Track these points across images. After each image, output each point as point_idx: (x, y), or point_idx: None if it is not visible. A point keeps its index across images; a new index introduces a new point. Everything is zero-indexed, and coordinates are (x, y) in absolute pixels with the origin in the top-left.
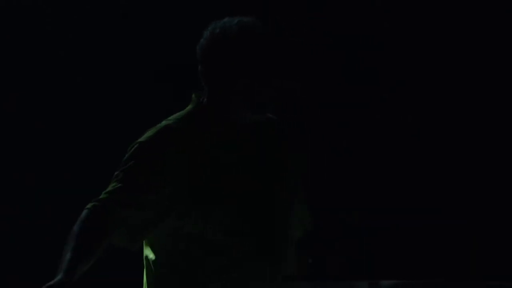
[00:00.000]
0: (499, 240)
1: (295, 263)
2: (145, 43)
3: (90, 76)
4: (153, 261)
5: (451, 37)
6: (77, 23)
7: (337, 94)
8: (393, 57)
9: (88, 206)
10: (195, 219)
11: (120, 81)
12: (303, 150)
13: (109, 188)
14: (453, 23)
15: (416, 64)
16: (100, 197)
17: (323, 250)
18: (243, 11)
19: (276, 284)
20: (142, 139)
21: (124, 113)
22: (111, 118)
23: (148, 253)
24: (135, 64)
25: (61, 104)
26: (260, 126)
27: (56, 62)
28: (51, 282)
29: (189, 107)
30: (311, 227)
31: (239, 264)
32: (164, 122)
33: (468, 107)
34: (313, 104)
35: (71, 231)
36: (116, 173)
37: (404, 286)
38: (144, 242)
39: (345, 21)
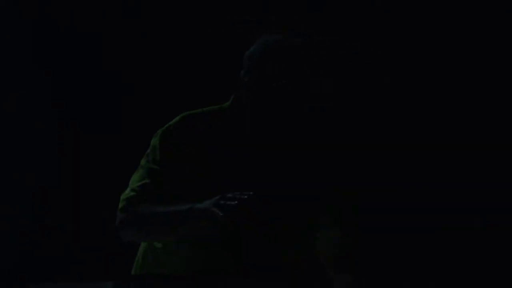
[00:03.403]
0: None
1: None
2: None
3: (88, 75)
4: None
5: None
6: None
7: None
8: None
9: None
10: None
11: (119, 79)
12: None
13: (135, 185)
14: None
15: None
16: (128, 196)
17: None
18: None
19: None
20: (164, 127)
21: (123, 111)
22: (111, 118)
23: None
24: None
25: (61, 103)
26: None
27: (56, 61)
28: None
29: (226, 104)
30: None
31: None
32: (189, 112)
33: (469, 108)
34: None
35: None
36: (142, 162)
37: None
38: None
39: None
